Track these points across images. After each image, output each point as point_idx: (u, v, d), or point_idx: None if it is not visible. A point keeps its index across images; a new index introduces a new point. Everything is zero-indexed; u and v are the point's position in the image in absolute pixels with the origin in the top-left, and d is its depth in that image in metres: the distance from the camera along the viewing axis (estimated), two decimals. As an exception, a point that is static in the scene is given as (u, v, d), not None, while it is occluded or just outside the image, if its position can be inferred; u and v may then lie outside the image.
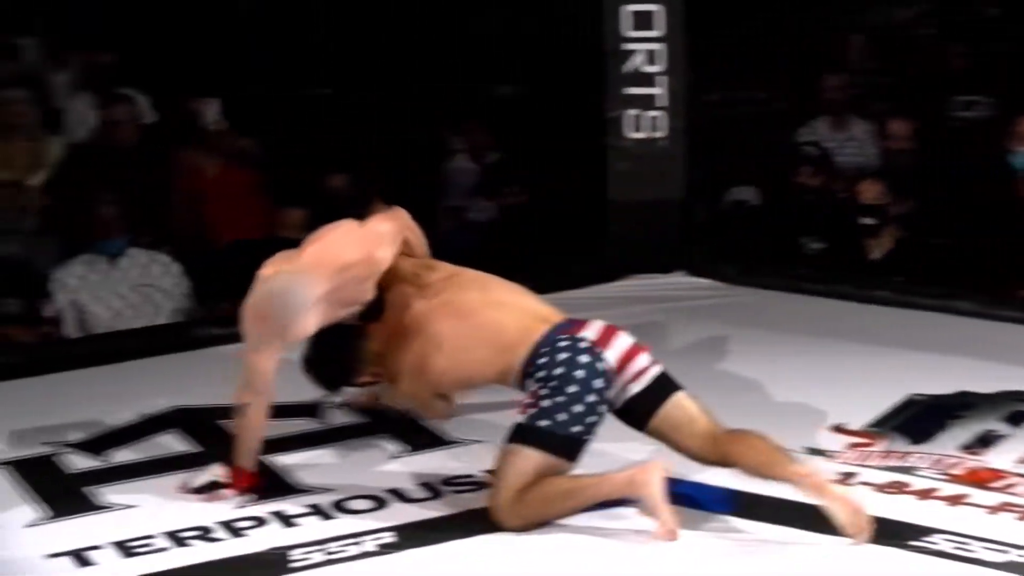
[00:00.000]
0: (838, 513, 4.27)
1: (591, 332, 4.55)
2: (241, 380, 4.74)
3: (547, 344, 4.51)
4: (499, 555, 4.36)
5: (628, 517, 4.49)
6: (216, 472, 4.80)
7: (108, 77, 8.60)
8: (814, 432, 5.16)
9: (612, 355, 4.51)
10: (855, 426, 5.22)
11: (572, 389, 4.40)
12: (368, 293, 4.77)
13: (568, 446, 4.41)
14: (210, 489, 4.78)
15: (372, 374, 4.87)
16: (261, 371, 4.70)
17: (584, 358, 4.45)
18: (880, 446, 5.08)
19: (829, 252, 7.80)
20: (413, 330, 4.68)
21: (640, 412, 4.54)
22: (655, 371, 4.55)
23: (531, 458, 4.39)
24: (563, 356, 4.45)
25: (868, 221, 7.51)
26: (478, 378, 4.67)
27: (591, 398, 4.42)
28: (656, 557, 4.30)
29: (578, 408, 4.40)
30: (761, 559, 4.29)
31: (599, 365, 4.46)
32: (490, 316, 4.64)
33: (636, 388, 4.51)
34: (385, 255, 4.83)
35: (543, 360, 4.46)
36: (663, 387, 4.55)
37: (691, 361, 5.93)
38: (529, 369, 4.49)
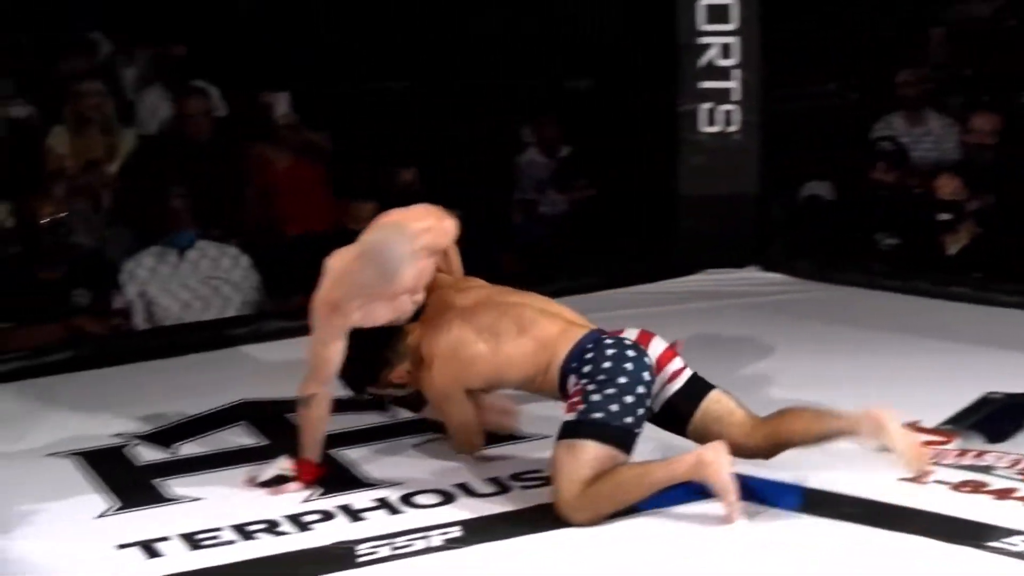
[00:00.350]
0: (899, 448, 4.40)
1: (631, 334, 4.66)
2: (307, 372, 4.75)
3: (591, 341, 4.60)
4: (568, 550, 4.33)
5: (692, 511, 4.46)
6: (282, 465, 4.80)
7: (179, 70, 8.62)
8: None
9: (652, 354, 4.61)
10: (929, 424, 5.14)
11: (622, 380, 4.46)
12: (422, 292, 4.80)
13: (622, 437, 4.45)
14: (277, 483, 4.78)
15: (404, 373, 4.88)
16: (329, 362, 4.71)
17: (631, 352, 4.53)
18: (954, 444, 5.00)
19: (904, 248, 7.72)
20: (452, 318, 4.77)
21: (681, 410, 4.62)
22: (689, 372, 4.66)
23: (589, 450, 4.40)
24: (611, 351, 4.53)
25: (945, 217, 7.42)
26: (512, 372, 4.70)
27: (641, 389, 4.48)
28: (722, 553, 4.26)
29: (629, 399, 4.44)
30: (831, 557, 4.23)
31: (646, 359, 4.55)
32: (531, 315, 4.74)
33: (674, 387, 4.62)
34: (452, 225, 4.88)
35: (589, 356, 4.54)
36: (700, 385, 4.65)
37: (763, 356, 5.89)
38: (572, 365, 4.56)
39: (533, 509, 4.57)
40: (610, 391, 4.44)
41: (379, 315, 4.75)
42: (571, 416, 4.48)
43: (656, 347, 4.64)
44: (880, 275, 7.35)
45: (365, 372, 4.88)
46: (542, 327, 4.69)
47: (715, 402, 4.62)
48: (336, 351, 4.71)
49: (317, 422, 4.78)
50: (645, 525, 4.42)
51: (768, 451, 4.58)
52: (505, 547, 4.37)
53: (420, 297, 4.80)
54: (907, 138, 8.54)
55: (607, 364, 4.49)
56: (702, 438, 4.57)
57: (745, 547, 4.29)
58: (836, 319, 6.73)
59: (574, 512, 4.39)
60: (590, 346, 4.57)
